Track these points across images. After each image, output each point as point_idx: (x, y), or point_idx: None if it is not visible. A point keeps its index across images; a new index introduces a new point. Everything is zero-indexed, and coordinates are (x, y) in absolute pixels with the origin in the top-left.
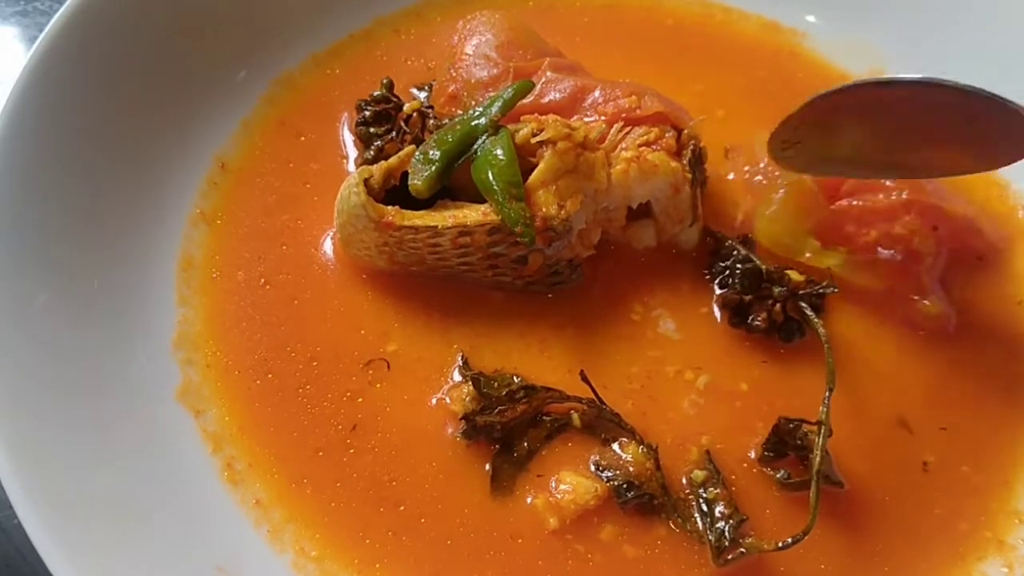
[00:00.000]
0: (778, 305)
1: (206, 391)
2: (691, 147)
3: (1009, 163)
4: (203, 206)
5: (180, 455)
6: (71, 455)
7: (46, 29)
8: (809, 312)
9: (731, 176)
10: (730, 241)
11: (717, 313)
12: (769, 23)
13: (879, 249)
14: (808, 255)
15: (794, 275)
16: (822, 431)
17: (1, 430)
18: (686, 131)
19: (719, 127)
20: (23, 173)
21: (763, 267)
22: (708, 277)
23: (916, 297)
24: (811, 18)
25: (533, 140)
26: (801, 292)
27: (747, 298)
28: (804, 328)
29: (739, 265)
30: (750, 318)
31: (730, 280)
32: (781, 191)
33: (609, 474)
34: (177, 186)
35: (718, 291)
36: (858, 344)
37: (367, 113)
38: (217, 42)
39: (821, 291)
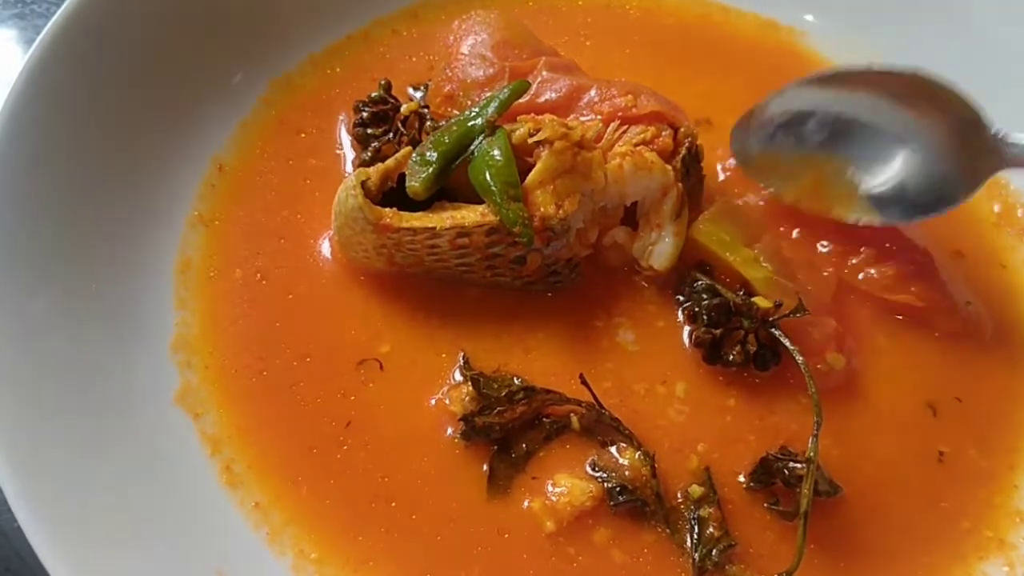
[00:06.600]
0: (751, 336)
1: (204, 393)
2: (687, 145)
3: None
4: (201, 208)
5: (179, 458)
6: (70, 459)
7: (43, 32)
8: (784, 339)
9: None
10: (693, 273)
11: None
12: (768, 22)
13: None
14: (736, 259)
15: (760, 302)
16: (810, 469)
17: (0, 434)
18: (682, 129)
19: (718, 128)
20: (20, 177)
21: (730, 300)
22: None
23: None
24: (809, 17)
25: (530, 140)
26: (771, 319)
27: (718, 332)
28: (779, 354)
29: (705, 298)
30: (723, 353)
31: (697, 315)
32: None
33: (604, 475)
34: (175, 189)
35: (687, 328)
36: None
37: (364, 114)
38: (214, 45)
39: (791, 316)
